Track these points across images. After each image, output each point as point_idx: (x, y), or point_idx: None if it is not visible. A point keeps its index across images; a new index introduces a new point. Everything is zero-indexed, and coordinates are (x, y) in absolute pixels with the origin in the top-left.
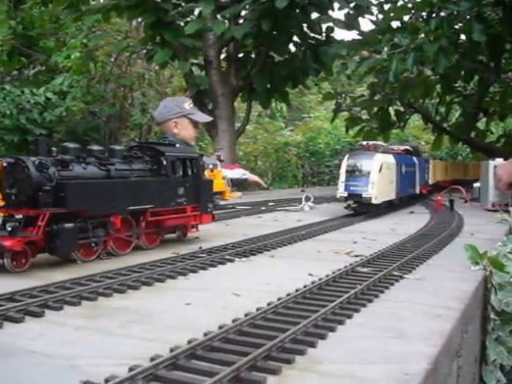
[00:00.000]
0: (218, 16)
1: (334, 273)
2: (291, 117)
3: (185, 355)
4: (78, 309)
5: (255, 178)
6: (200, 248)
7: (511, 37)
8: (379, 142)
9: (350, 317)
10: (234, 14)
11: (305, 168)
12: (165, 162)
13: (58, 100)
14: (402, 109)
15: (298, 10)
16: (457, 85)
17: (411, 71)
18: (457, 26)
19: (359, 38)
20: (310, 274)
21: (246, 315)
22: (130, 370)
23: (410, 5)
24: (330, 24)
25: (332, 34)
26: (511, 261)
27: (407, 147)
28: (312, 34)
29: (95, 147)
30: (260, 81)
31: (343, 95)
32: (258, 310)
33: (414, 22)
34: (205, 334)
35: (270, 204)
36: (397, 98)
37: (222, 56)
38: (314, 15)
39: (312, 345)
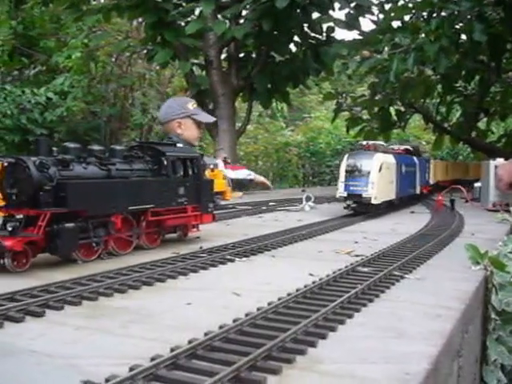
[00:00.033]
0: (219, 16)
1: (334, 272)
2: (292, 117)
3: (185, 355)
4: (78, 309)
5: (261, 178)
6: (200, 248)
7: None
8: (379, 142)
9: (350, 316)
10: (234, 14)
11: (305, 168)
12: (165, 162)
13: (58, 100)
14: (402, 109)
15: (298, 10)
16: (457, 85)
17: (412, 71)
18: (457, 26)
19: (360, 37)
20: (311, 274)
21: (246, 315)
22: (131, 369)
23: (410, 5)
24: (331, 24)
25: (333, 34)
26: None
27: (407, 147)
28: (313, 34)
29: (96, 147)
30: (261, 81)
31: (344, 95)
32: (258, 309)
33: (414, 21)
34: (205, 334)
35: (271, 204)
36: (397, 97)
37: (223, 56)
38: (315, 15)
39: (312, 344)
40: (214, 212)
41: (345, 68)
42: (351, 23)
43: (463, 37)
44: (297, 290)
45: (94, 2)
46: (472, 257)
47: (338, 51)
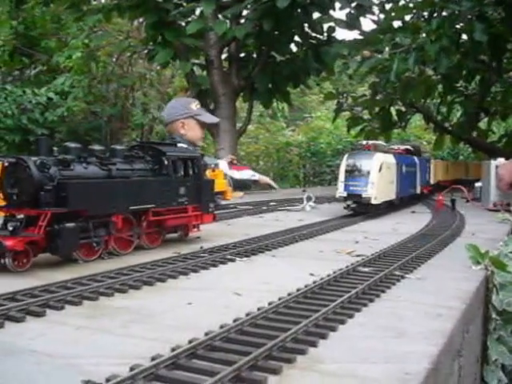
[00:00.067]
0: (220, 16)
1: (335, 272)
2: (293, 117)
3: (186, 355)
4: (79, 308)
5: (266, 179)
6: (201, 248)
7: None
8: (379, 142)
9: (351, 316)
10: (235, 14)
11: (306, 168)
12: (166, 162)
13: (59, 100)
14: (403, 109)
15: (299, 10)
16: (458, 84)
17: (413, 71)
18: (458, 26)
19: (361, 37)
20: (312, 274)
21: (247, 315)
22: (131, 369)
23: (411, 4)
24: (332, 24)
25: (333, 34)
26: None
27: (408, 147)
28: (313, 34)
29: (96, 147)
30: (261, 81)
31: (345, 95)
32: (259, 309)
33: (415, 21)
34: (206, 334)
35: (272, 204)
36: (398, 97)
37: (224, 56)
38: (316, 15)
39: (313, 344)
40: (215, 212)
41: (345, 68)
42: (352, 23)
43: (464, 37)
44: (297, 290)
45: (95, 2)
46: (473, 256)
47: (339, 51)
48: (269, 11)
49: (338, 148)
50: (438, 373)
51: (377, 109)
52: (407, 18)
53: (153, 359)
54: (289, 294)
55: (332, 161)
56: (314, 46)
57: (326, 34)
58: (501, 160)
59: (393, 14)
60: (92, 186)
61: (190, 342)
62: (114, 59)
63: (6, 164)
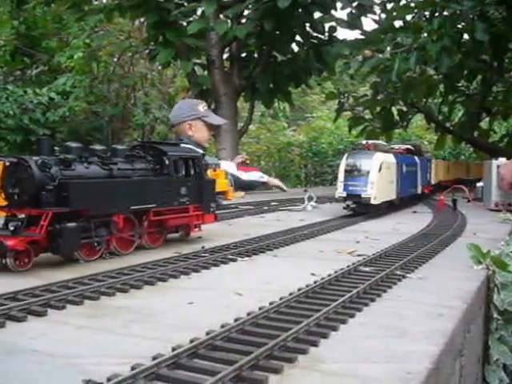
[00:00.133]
0: (221, 16)
1: (336, 272)
2: (294, 117)
3: (187, 354)
4: (80, 308)
5: (275, 181)
6: (202, 247)
7: None
8: (379, 141)
9: (352, 316)
10: (236, 14)
11: (307, 168)
12: (167, 162)
13: (60, 100)
14: (404, 108)
15: (300, 10)
16: (460, 84)
17: (414, 71)
18: (460, 26)
19: (362, 37)
20: (313, 274)
21: (248, 314)
22: (132, 368)
23: (412, 4)
24: (333, 23)
25: (335, 34)
26: None
27: (408, 146)
28: (315, 34)
29: (97, 147)
30: (263, 80)
31: (346, 95)
32: (260, 309)
33: (416, 21)
34: (207, 333)
35: (273, 204)
36: (399, 97)
37: (225, 56)
38: (317, 15)
39: (314, 344)
40: (216, 212)
41: (347, 68)
42: (353, 23)
43: (465, 36)
44: (298, 290)
45: (96, 2)
46: (474, 256)
47: (340, 51)
48: (270, 11)
49: (339, 148)
50: (439, 372)
51: (378, 109)
52: (408, 17)
53: (154, 359)
54: (290, 294)
55: (333, 161)
56: (315, 45)
57: (327, 34)
58: (502, 160)
59: (394, 13)
60: (93, 186)
61: (191, 341)
62: (116, 59)
63: (8, 164)
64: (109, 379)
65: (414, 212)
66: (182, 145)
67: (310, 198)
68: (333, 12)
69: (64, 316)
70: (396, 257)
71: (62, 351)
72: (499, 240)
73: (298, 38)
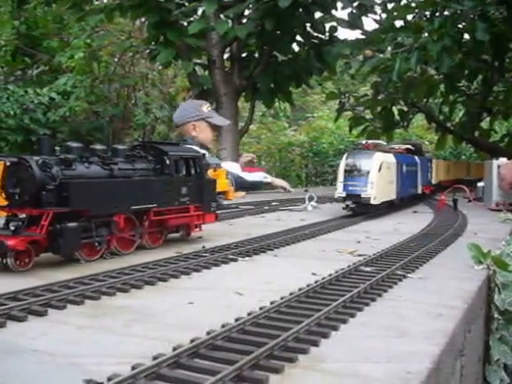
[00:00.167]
0: (222, 15)
1: (337, 272)
2: (295, 116)
3: (187, 354)
4: (81, 308)
5: (280, 182)
6: (203, 247)
7: None
8: (379, 141)
9: (353, 316)
10: (237, 14)
11: (308, 168)
12: (168, 162)
13: (61, 100)
14: (405, 108)
15: (301, 10)
16: (460, 84)
17: (415, 70)
18: (460, 25)
19: (363, 37)
20: (314, 274)
21: (248, 314)
22: (133, 368)
23: (413, 4)
24: (334, 23)
25: (335, 34)
26: None
27: (409, 146)
28: (315, 34)
29: (98, 146)
30: (263, 80)
31: (347, 95)
32: (261, 309)
33: (417, 21)
34: (207, 333)
35: (274, 204)
36: (400, 97)
37: (226, 56)
38: (318, 14)
39: (315, 344)
40: (217, 212)
41: (347, 67)
42: (354, 23)
43: (466, 36)
44: (299, 290)
45: (97, 2)
46: (475, 256)
47: (341, 51)
48: (270, 11)
49: (340, 148)
50: (439, 372)
51: (379, 108)
52: (409, 17)
53: (154, 358)
54: (291, 294)
55: (334, 161)
56: (315, 45)
57: (327, 34)
58: (503, 159)
59: (395, 13)
60: (94, 186)
61: (191, 341)
62: (116, 59)
63: (8, 164)
64: (109, 379)
65: (415, 212)
66: (190, 146)
67: (311, 198)
68: (333, 12)
69: (65, 316)
70: (397, 257)
71: (63, 351)
72: (500, 240)
73: (298, 37)
